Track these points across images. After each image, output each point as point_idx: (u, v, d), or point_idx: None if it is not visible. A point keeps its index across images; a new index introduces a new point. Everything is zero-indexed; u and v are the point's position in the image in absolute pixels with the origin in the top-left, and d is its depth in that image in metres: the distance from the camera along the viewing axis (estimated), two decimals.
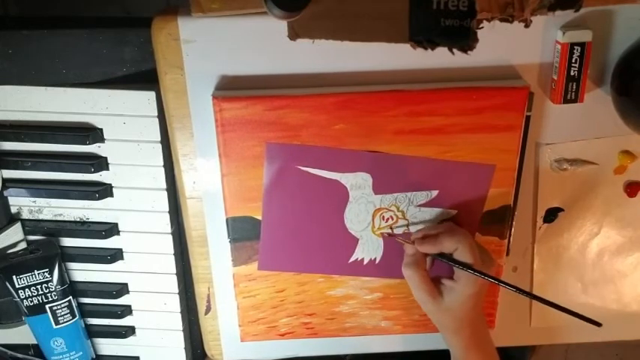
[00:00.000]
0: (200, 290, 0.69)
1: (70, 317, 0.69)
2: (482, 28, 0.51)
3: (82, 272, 0.70)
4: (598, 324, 0.57)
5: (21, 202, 0.67)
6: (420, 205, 0.63)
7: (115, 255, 0.68)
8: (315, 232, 0.64)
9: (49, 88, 0.62)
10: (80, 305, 0.72)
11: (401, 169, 0.61)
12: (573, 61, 0.57)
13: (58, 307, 0.68)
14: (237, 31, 0.56)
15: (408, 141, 0.59)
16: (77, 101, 0.62)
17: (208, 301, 0.70)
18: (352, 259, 0.65)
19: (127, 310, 0.72)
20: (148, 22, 0.57)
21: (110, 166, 0.64)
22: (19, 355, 0.73)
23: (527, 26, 0.52)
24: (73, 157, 0.64)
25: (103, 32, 0.62)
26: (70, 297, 0.69)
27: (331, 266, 0.66)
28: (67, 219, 0.68)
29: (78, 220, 0.68)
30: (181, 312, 0.72)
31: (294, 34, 0.53)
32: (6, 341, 0.73)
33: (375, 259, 0.65)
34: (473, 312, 0.61)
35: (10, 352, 0.73)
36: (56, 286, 0.68)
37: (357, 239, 0.64)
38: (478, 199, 0.63)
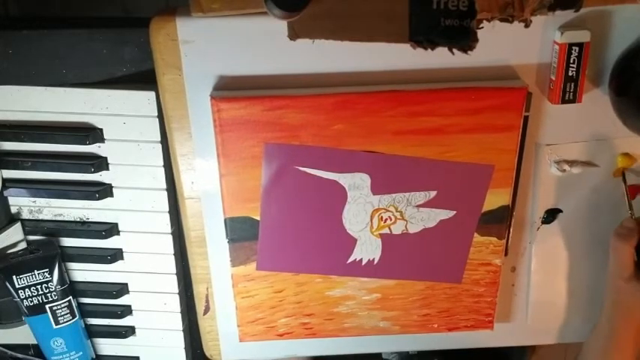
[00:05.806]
0: (199, 290, 0.69)
1: (70, 317, 0.69)
2: (482, 28, 0.51)
3: (82, 272, 0.70)
4: None
5: (21, 202, 0.67)
6: (419, 206, 0.63)
7: (115, 255, 0.69)
8: (313, 232, 0.64)
9: (49, 88, 0.62)
10: (80, 305, 0.72)
11: (399, 170, 0.61)
12: (571, 61, 0.57)
13: (58, 307, 0.68)
14: (237, 31, 0.56)
15: (406, 141, 0.59)
16: (77, 101, 0.62)
17: (207, 302, 0.70)
18: (351, 259, 0.65)
19: (127, 310, 0.72)
20: (148, 22, 0.57)
21: (110, 166, 0.65)
22: (19, 355, 0.73)
23: (527, 26, 0.52)
24: (72, 157, 0.64)
25: (103, 32, 0.62)
26: (70, 297, 0.69)
27: (330, 267, 0.66)
28: (67, 219, 0.68)
29: (78, 220, 0.68)
30: (181, 312, 0.72)
31: (294, 34, 0.53)
32: (6, 341, 0.73)
33: (373, 259, 0.65)
34: None
35: (10, 352, 0.73)
36: (56, 286, 0.68)
37: (356, 240, 0.64)
38: (477, 199, 0.63)
